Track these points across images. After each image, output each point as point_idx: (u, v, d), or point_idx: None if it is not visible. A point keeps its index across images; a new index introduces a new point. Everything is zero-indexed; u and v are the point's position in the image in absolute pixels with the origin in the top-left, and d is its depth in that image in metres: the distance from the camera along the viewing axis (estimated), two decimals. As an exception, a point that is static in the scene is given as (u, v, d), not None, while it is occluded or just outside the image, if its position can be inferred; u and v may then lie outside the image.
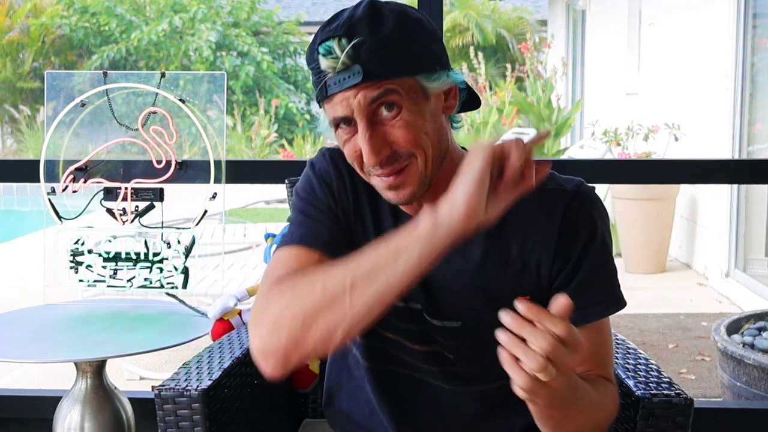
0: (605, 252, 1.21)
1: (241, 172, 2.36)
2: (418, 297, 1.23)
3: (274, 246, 1.27)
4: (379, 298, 1.02)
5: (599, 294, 1.20)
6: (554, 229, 1.19)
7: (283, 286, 1.10)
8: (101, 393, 1.95)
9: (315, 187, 1.26)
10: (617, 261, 5.91)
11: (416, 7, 1.23)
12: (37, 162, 2.22)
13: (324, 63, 1.10)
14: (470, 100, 1.24)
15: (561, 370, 0.92)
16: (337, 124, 1.14)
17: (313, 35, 1.16)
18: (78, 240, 2.16)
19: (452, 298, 1.22)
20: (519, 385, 0.94)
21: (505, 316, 0.93)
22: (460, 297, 1.22)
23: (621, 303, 1.22)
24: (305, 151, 10.01)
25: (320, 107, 1.17)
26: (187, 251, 2.15)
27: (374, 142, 1.11)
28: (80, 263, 2.16)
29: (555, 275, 1.20)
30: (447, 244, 1.01)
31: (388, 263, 1.02)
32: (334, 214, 1.24)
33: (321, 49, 1.11)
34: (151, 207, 2.19)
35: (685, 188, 5.77)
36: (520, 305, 0.93)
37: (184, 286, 2.14)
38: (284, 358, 1.07)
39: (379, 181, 1.15)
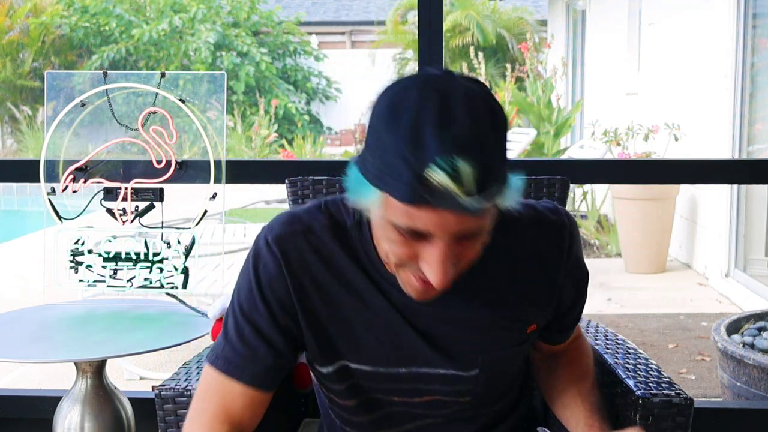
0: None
1: (241, 172, 2.36)
2: (431, 360, 1.19)
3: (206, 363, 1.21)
4: None
5: (583, 306, 1.32)
6: (555, 260, 1.21)
7: None
8: (101, 393, 1.95)
9: (257, 299, 1.16)
10: (617, 261, 5.95)
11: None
12: (37, 162, 2.22)
13: (440, 178, 0.93)
14: None
15: None
16: (400, 227, 1.00)
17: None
18: (78, 240, 2.16)
19: (467, 349, 1.19)
20: None
21: None
22: (476, 346, 1.20)
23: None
24: (305, 151, 10.01)
25: (375, 187, 0.99)
26: (187, 251, 2.15)
27: (447, 266, 1.01)
28: (80, 263, 2.16)
29: (563, 305, 1.25)
30: None
31: None
32: (278, 326, 1.16)
33: (443, 164, 0.93)
34: (151, 207, 2.19)
35: (685, 188, 5.77)
36: None
37: (184, 286, 2.14)
38: None
39: (410, 279, 1.06)
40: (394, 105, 0.99)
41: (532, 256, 1.20)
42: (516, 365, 1.28)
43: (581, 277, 1.25)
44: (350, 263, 1.16)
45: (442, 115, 0.96)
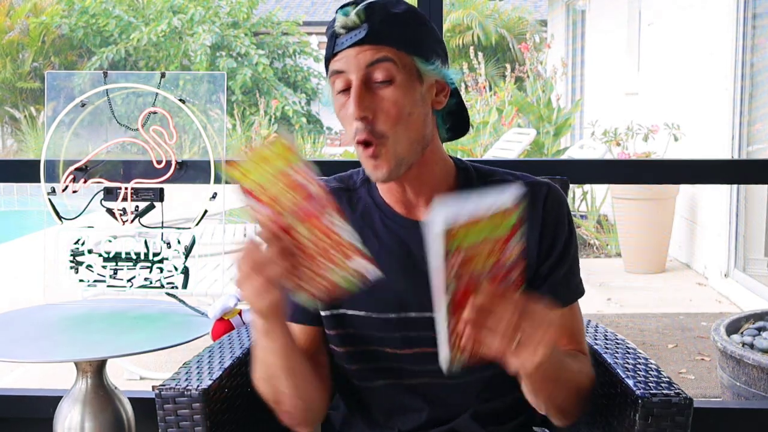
0: (576, 244, 1.36)
1: (241, 172, 2.35)
2: (418, 302, 1.26)
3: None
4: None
5: (575, 280, 1.35)
6: (538, 217, 1.30)
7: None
8: (101, 393, 1.95)
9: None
10: (617, 261, 5.95)
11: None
12: (38, 162, 2.22)
13: (338, 22, 1.21)
14: (460, 125, 1.34)
15: (530, 341, 1.03)
16: (334, 80, 1.22)
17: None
18: (78, 240, 2.17)
19: None
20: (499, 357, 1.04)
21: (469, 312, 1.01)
22: None
23: (583, 288, 1.38)
24: (305, 151, 10.01)
25: (326, 75, 1.25)
26: (187, 251, 2.15)
27: (362, 98, 1.19)
28: (80, 263, 2.16)
29: (542, 260, 1.31)
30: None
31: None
32: None
33: (339, 11, 1.22)
34: (151, 207, 2.19)
35: (685, 188, 5.77)
36: (469, 312, 1.01)
37: (184, 286, 2.14)
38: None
39: (361, 151, 1.22)
40: None
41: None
42: None
43: (563, 233, 1.32)
44: (353, 215, 1.31)
45: None
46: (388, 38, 1.20)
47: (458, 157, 1.37)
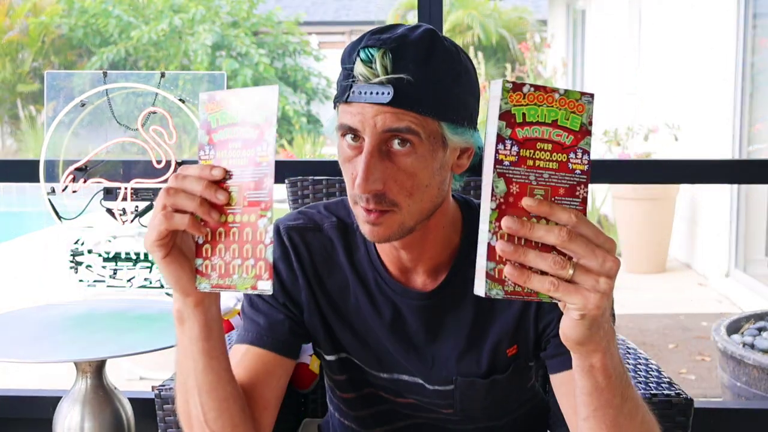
0: None
1: (241, 172, 2.35)
2: (410, 370, 1.20)
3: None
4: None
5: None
6: None
7: None
8: (101, 393, 1.95)
9: None
10: (617, 261, 5.98)
11: (466, 54, 1.10)
12: (37, 162, 2.22)
13: (359, 68, 1.00)
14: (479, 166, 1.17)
15: (586, 268, 0.83)
16: (344, 132, 1.04)
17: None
18: (78, 240, 2.17)
19: (444, 366, 1.19)
20: (554, 295, 0.82)
21: (509, 221, 0.81)
22: (452, 365, 1.19)
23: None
24: (305, 151, 10.01)
25: (334, 107, 1.07)
26: (187, 251, 2.15)
27: (371, 172, 1.00)
28: (80, 263, 2.16)
29: (547, 330, 1.15)
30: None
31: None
32: (284, 306, 1.19)
33: (362, 54, 1.00)
34: (150, 207, 2.19)
35: (685, 188, 5.78)
36: (528, 201, 0.81)
37: (184, 286, 2.14)
38: None
39: (360, 212, 1.05)
40: None
41: None
42: (500, 391, 1.21)
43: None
44: (350, 267, 1.19)
45: (382, 29, 1.03)
46: (415, 103, 1.00)
47: (469, 198, 1.21)
